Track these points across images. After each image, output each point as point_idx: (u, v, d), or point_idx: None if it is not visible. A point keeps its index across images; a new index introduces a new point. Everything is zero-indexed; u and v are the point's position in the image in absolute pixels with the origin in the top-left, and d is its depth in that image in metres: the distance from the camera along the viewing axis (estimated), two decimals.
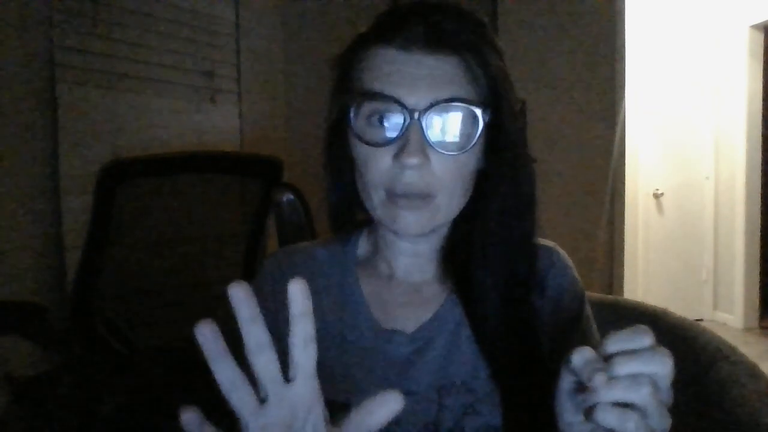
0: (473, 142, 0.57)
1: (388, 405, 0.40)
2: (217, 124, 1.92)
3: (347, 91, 0.60)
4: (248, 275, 1.43)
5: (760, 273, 4.04)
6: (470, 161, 0.59)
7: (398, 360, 0.62)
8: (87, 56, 1.58)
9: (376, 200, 0.59)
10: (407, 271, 0.66)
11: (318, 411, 0.41)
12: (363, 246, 0.69)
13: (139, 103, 1.71)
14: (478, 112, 0.56)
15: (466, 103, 0.56)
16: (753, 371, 0.70)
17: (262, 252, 1.46)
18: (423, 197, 0.57)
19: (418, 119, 0.55)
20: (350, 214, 0.67)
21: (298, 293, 0.38)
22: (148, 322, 1.44)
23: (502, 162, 0.60)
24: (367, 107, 0.57)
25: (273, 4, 2.07)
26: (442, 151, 0.56)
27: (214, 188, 1.51)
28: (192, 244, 1.52)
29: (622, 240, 2.71)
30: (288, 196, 1.34)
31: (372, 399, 0.40)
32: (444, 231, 0.65)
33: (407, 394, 0.60)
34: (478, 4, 0.60)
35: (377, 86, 0.56)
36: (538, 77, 2.43)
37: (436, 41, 0.56)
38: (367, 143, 0.57)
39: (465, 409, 0.59)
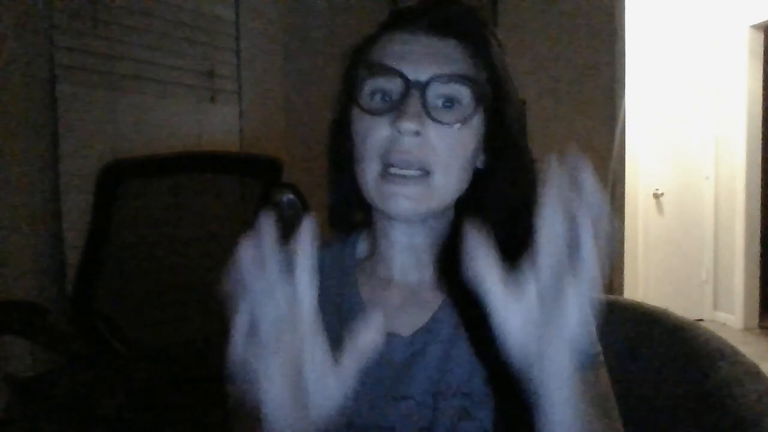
0: (471, 114, 0.58)
1: (370, 327, 0.44)
2: (217, 124, 1.92)
3: (353, 69, 0.62)
4: None
5: (760, 273, 4.04)
6: (469, 141, 0.59)
7: (395, 364, 0.62)
8: (87, 56, 1.58)
9: (369, 176, 0.59)
10: (404, 269, 0.66)
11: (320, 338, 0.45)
12: (362, 247, 0.69)
13: (139, 103, 1.71)
14: (478, 88, 0.58)
15: (466, 78, 0.58)
16: (753, 371, 0.70)
17: None
18: (418, 171, 0.57)
19: (419, 91, 0.56)
20: (350, 214, 0.67)
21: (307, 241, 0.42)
22: (148, 322, 1.44)
23: (502, 157, 0.61)
24: (371, 82, 0.59)
25: (273, 4, 2.07)
26: (440, 122, 0.57)
27: (214, 188, 1.51)
28: (192, 244, 1.52)
29: (622, 240, 2.71)
30: (288, 196, 1.34)
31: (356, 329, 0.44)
32: (440, 225, 0.64)
33: (403, 398, 0.60)
34: (478, 4, 0.61)
35: (383, 60, 0.59)
36: (538, 77, 2.43)
37: (441, 27, 0.59)
38: (368, 112, 0.58)
39: (460, 414, 0.59)
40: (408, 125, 0.55)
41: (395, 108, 0.57)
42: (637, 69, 3.93)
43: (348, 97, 0.62)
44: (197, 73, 1.87)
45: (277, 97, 2.08)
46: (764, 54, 3.96)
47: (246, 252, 0.42)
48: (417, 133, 0.56)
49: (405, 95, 0.57)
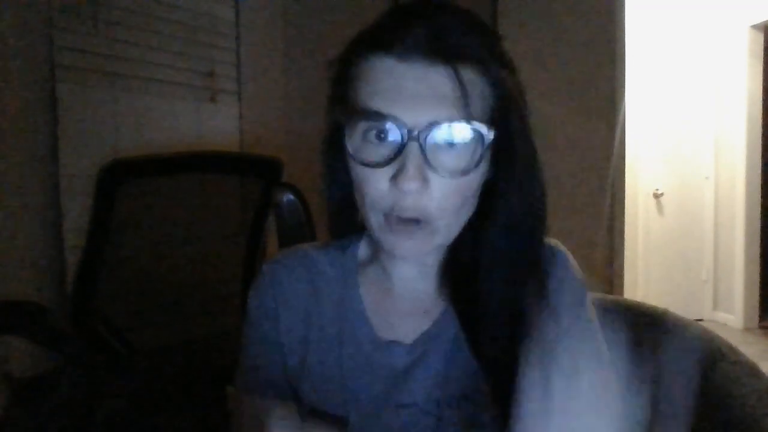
0: (477, 163, 0.53)
1: None
2: (217, 124, 1.92)
3: (343, 101, 0.57)
4: (248, 275, 1.43)
5: (760, 273, 4.04)
6: (474, 180, 0.55)
7: (396, 371, 0.61)
8: (87, 56, 1.58)
9: (374, 223, 0.56)
10: (408, 279, 0.64)
11: None
12: (363, 251, 0.68)
13: (139, 103, 1.71)
14: (483, 131, 0.52)
15: (470, 121, 0.52)
16: (753, 371, 0.70)
17: (262, 252, 1.46)
18: (421, 222, 0.54)
19: (417, 140, 0.51)
20: (349, 217, 0.64)
21: None
22: (148, 322, 1.44)
23: (511, 175, 0.57)
24: (363, 125, 0.53)
25: (273, 4, 2.06)
26: (444, 175, 0.52)
27: (214, 188, 1.51)
28: (192, 244, 1.52)
29: (622, 240, 2.70)
30: (288, 196, 1.34)
31: None
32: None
33: (405, 406, 0.59)
34: (477, 4, 0.59)
35: (374, 103, 0.52)
36: (538, 78, 2.43)
37: (438, 51, 0.51)
38: (363, 164, 0.53)
39: (465, 422, 0.58)
40: (409, 186, 0.51)
41: (393, 160, 0.52)
42: (637, 69, 3.93)
43: (338, 120, 0.57)
44: (197, 73, 1.87)
45: (277, 97, 2.08)
46: (764, 54, 3.95)
47: None
48: (419, 191, 0.52)
49: (403, 146, 0.51)
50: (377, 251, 0.66)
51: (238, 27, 1.97)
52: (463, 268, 0.61)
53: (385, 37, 0.53)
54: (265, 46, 2.04)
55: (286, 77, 2.09)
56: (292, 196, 1.34)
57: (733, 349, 0.74)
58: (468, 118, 0.52)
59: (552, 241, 0.65)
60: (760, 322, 4.06)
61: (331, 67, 0.59)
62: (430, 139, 0.51)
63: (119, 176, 1.32)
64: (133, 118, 1.69)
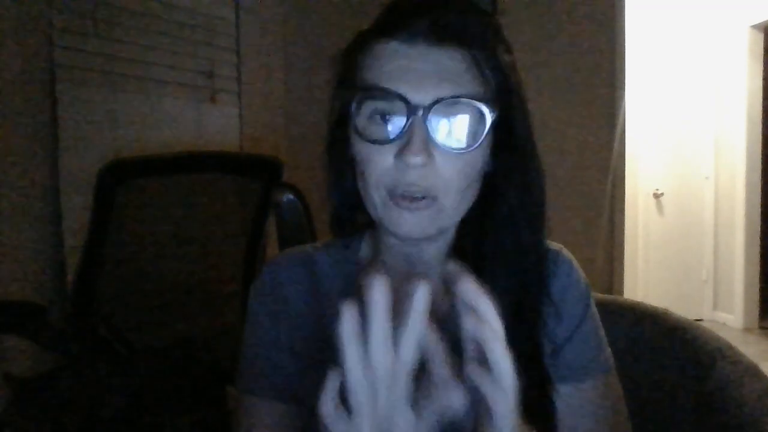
0: (480, 141, 0.54)
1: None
2: (217, 124, 1.92)
3: (349, 88, 0.58)
4: (248, 275, 1.43)
5: (760, 273, 4.04)
6: (477, 160, 0.56)
7: None
8: (87, 56, 1.58)
9: (376, 200, 0.57)
10: (410, 280, 0.65)
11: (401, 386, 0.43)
12: (365, 250, 0.67)
13: (139, 103, 1.71)
14: (486, 109, 0.54)
15: (472, 99, 0.53)
16: (753, 371, 0.70)
17: (262, 252, 1.46)
18: (426, 198, 0.55)
19: (422, 116, 0.52)
20: (352, 216, 0.65)
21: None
22: (148, 322, 1.44)
23: (512, 163, 0.58)
24: (370, 104, 0.55)
25: (273, 4, 2.06)
26: (448, 150, 0.54)
27: (214, 188, 1.51)
28: (192, 244, 1.52)
29: (622, 240, 2.71)
30: (288, 196, 1.34)
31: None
32: (450, 236, 0.63)
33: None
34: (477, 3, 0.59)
35: (380, 82, 0.54)
36: (538, 77, 2.43)
37: (441, 35, 0.53)
38: (369, 141, 0.55)
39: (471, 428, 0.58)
40: (415, 159, 0.52)
41: (399, 137, 0.53)
42: (637, 69, 3.93)
43: (344, 106, 0.58)
44: (197, 73, 1.87)
45: (277, 97, 2.07)
46: (764, 54, 3.96)
47: (349, 321, 0.42)
48: (424, 165, 0.53)
49: (408, 123, 0.53)
50: (379, 250, 0.65)
51: (238, 27, 1.97)
52: (467, 265, 0.61)
53: (390, 25, 0.55)
54: (265, 46, 2.04)
55: (286, 77, 2.09)
56: (292, 196, 1.34)
57: (733, 349, 0.74)
58: (471, 96, 0.54)
59: (556, 245, 0.66)
60: (760, 322, 4.06)
61: (336, 60, 0.60)
62: (434, 116, 0.53)
63: (119, 176, 1.32)
64: (132, 118, 1.69)
